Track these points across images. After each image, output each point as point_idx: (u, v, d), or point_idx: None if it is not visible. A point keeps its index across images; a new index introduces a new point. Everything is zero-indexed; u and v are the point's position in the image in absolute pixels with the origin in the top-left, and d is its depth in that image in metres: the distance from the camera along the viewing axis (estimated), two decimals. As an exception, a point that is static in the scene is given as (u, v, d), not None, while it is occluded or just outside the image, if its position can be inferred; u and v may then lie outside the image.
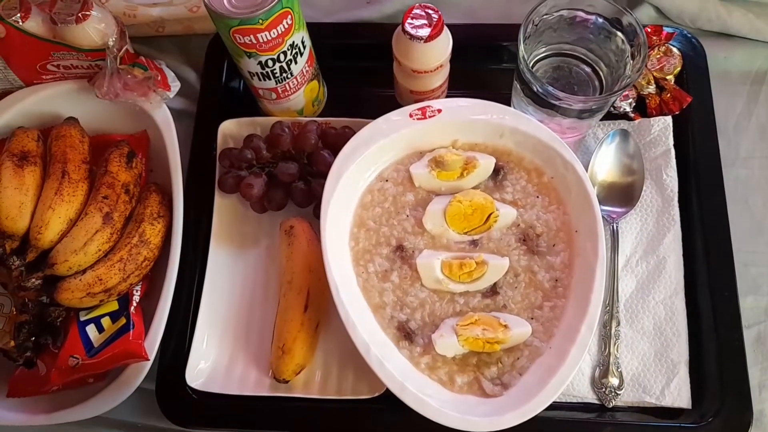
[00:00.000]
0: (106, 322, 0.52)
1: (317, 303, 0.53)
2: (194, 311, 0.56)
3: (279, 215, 0.60)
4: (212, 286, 0.57)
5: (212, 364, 0.55)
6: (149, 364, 0.52)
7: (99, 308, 0.53)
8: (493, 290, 0.51)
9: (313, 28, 0.58)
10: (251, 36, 0.49)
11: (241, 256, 0.59)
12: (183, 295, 0.56)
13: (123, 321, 0.51)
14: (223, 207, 0.60)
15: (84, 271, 0.52)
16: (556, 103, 0.53)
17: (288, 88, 0.58)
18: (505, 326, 0.48)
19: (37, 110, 0.61)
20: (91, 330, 0.51)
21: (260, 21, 0.48)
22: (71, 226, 0.54)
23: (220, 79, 0.66)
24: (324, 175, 0.53)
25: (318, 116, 0.65)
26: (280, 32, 0.50)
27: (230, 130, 0.61)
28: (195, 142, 0.63)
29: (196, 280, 0.57)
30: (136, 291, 0.54)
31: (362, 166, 0.54)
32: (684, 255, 0.57)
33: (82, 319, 0.52)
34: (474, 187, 0.55)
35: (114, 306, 0.53)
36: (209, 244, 0.58)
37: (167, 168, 0.59)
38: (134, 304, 0.53)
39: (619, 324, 0.54)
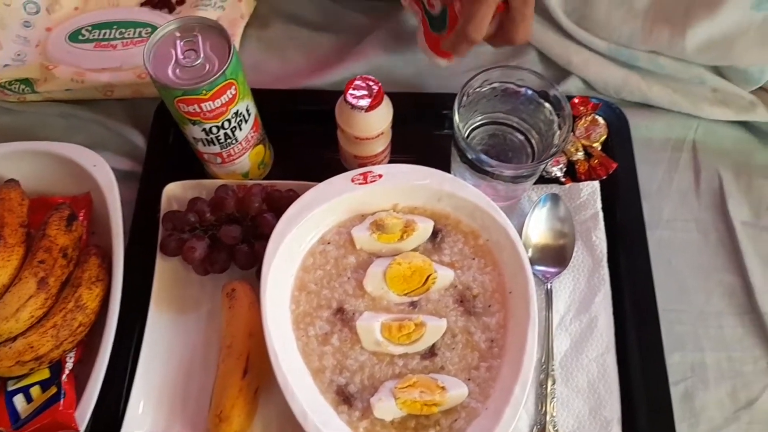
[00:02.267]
0: (35, 391, 0.50)
1: (257, 368, 0.53)
2: (130, 377, 0.55)
3: (222, 278, 0.60)
4: (150, 351, 0.56)
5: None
6: (80, 434, 0.50)
7: (28, 377, 0.51)
8: (431, 352, 0.52)
9: (261, 94, 0.60)
10: (195, 105, 0.51)
11: (182, 319, 0.58)
12: (119, 360, 0.55)
13: (54, 390, 0.50)
14: (164, 270, 0.59)
15: (15, 338, 0.51)
16: (490, 169, 0.56)
17: (233, 153, 0.59)
18: (443, 388, 0.49)
19: (-23, 171, 0.61)
20: (18, 400, 0.49)
21: (204, 92, 0.50)
22: (3, 292, 0.52)
23: (166, 141, 0.66)
24: (267, 238, 0.54)
25: (264, 179, 0.66)
26: (223, 102, 0.52)
27: (175, 192, 0.62)
28: (139, 205, 0.63)
29: (134, 345, 0.56)
30: (70, 357, 0.53)
31: (304, 229, 0.55)
32: (614, 313, 0.59)
33: (10, 389, 0.50)
34: (413, 250, 0.56)
35: (45, 374, 0.51)
36: (149, 309, 0.57)
37: (109, 230, 0.58)
38: (66, 371, 0.52)
39: (554, 382, 0.56)
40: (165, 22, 0.70)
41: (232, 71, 0.51)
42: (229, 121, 0.54)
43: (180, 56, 0.50)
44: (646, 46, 0.68)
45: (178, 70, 0.50)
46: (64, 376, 0.51)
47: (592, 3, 0.68)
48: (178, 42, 0.51)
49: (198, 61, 0.50)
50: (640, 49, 0.68)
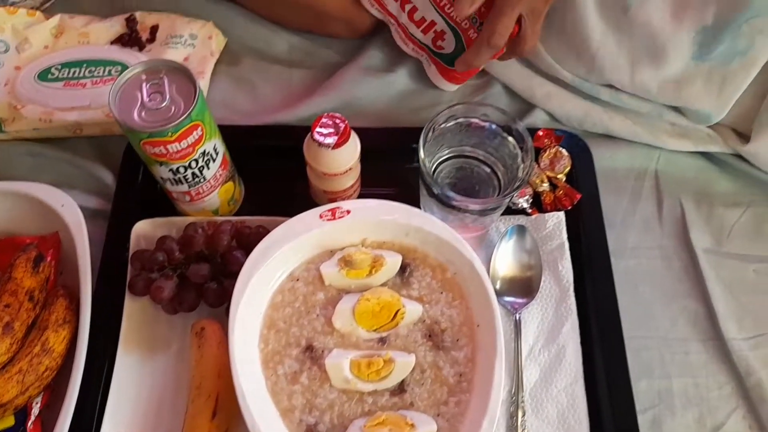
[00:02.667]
0: (-1, 440, 0.49)
1: (226, 408, 0.53)
2: (98, 420, 0.54)
3: (191, 315, 0.59)
4: (119, 393, 0.55)
5: (116, 477, 0.53)
6: (46, 482, 0.50)
7: (-8, 425, 0.51)
8: (400, 388, 0.52)
9: (231, 130, 0.61)
10: (161, 147, 0.51)
11: (151, 360, 0.58)
12: (87, 403, 0.54)
13: (19, 438, 0.49)
14: (133, 310, 0.59)
15: (-22, 385, 0.50)
16: (456, 204, 0.57)
17: (201, 191, 0.59)
18: (412, 425, 0.49)
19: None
20: (-20, 450, 0.48)
21: (170, 134, 0.50)
22: (-33, 338, 0.52)
23: (136, 179, 0.67)
24: (236, 275, 0.54)
25: (235, 214, 0.66)
26: (190, 143, 0.52)
27: (144, 230, 0.62)
28: (108, 243, 0.63)
29: (102, 387, 0.56)
30: (36, 403, 0.52)
31: (273, 267, 0.55)
32: (582, 342, 0.60)
33: (-28, 438, 0.49)
34: (382, 284, 0.57)
35: (10, 422, 0.51)
36: (117, 350, 0.57)
37: (77, 270, 0.58)
38: (32, 418, 0.51)
39: (524, 414, 0.56)
40: (135, 60, 0.71)
41: (197, 113, 0.51)
42: (196, 161, 0.55)
43: (146, 98, 0.51)
44: (603, 82, 0.70)
45: (143, 113, 0.51)
46: (30, 423, 0.51)
47: (549, 43, 0.71)
48: (144, 84, 0.51)
49: (164, 104, 0.51)
50: (599, 83, 0.71)
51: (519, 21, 0.59)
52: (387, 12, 0.70)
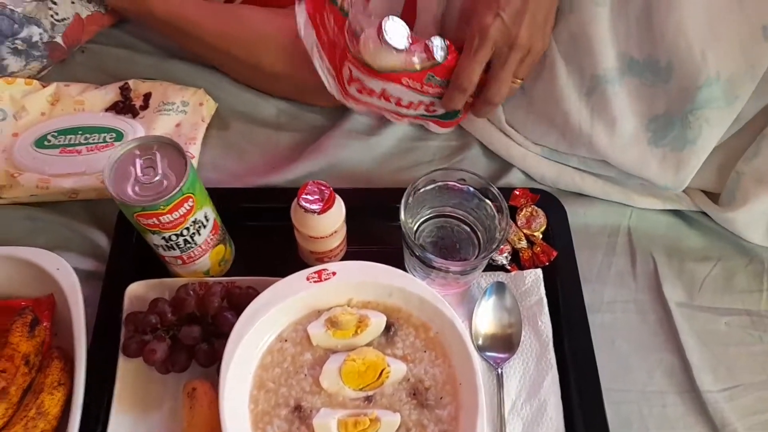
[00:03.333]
0: (-8, 508, 0.50)
1: (217, 470, 0.54)
2: (91, 484, 0.55)
3: (183, 375, 0.61)
4: (111, 456, 0.56)
5: None
6: None
7: (-14, 493, 0.52)
8: (386, 447, 0.54)
9: (221, 193, 0.64)
10: (154, 218, 0.54)
11: (144, 419, 0.59)
12: (82, 465, 0.56)
13: (12, 505, 0.50)
14: (127, 370, 0.61)
15: (-27, 452, 0.52)
16: (437, 265, 0.60)
17: (193, 255, 0.62)
18: (397, 485, 0.51)
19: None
20: None
21: (162, 207, 0.53)
22: (-37, 404, 0.53)
23: (129, 241, 0.69)
24: (227, 336, 0.56)
25: (225, 274, 0.68)
26: (181, 213, 0.55)
27: (137, 292, 0.64)
28: (102, 305, 0.65)
29: (95, 449, 0.57)
30: (30, 468, 0.53)
31: (262, 329, 0.58)
32: (562, 396, 0.62)
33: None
34: (368, 344, 0.59)
35: (4, 488, 0.52)
36: (111, 410, 0.58)
37: (72, 331, 0.60)
38: (26, 484, 0.52)
39: (508, 469, 0.58)
40: (129, 126, 0.75)
41: (188, 186, 0.54)
42: (188, 229, 0.57)
43: (139, 173, 0.54)
44: (571, 152, 0.74)
45: (137, 187, 0.53)
46: (23, 488, 0.52)
47: (518, 118, 0.75)
48: (137, 160, 0.54)
49: (156, 178, 0.54)
50: (567, 153, 0.74)
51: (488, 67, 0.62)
52: (373, 107, 0.71)
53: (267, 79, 0.79)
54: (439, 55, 0.61)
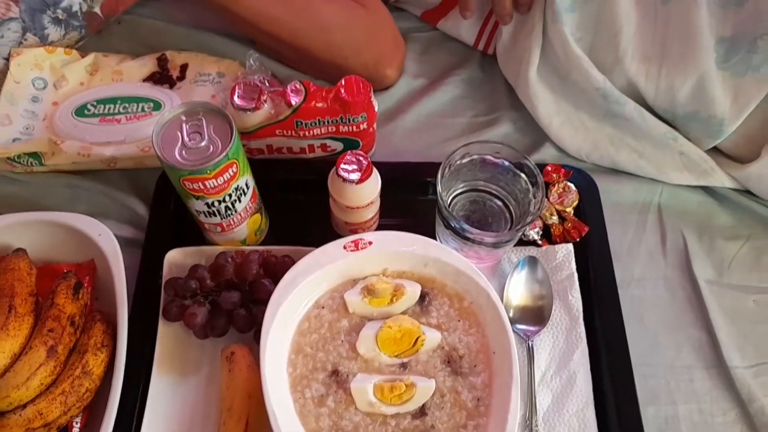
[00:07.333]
0: (44, 457, 0.52)
1: (256, 430, 0.56)
2: (134, 441, 0.57)
3: (221, 341, 0.63)
4: (153, 415, 0.58)
5: (150, 495, 0.55)
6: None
7: (37, 444, 0.53)
8: (422, 411, 0.55)
9: (259, 163, 0.65)
10: (199, 183, 0.55)
11: (183, 383, 0.61)
12: (122, 424, 0.57)
13: (62, 456, 0.52)
14: (166, 334, 0.62)
15: (24, 406, 0.53)
16: (471, 236, 0.61)
17: (232, 223, 0.63)
18: (433, 446, 0.52)
19: (-15, 239, 0.63)
20: (27, 467, 0.51)
21: (208, 171, 0.54)
22: (14, 361, 0.55)
23: (167, 210, 0.70)
24: (264, 303, 0.57)
25: (261, 244, 0.70)
26: (225, 179, 0.56)
27: (176, 259, 0.65)
28: (141, 271, 0.66)
29: (137, 408, 0.59)
30: (76, 423, 0.55)
31: (300, 295, 0.59)
32: (591, 369, 0.63)
33: (19, 455, 0.52)
34: (403, 313, 0.60)
35: (53, 440, 0.54)
36: (151, 372, 0.60)
37: (113, 296, 0.61)
38: (74, 437, 0.54)
39: (538, 437, 0.59)
40: (167, 96, 0.76)
41: (234, 152, 0.55)
42: (230, 195, 0.59)
43: (186, 138, 0.55)
44: (628, 80, 0.72)
45: (184, 152, 0.55)
46: (71, 441, 0.54)
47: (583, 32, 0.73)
48: (184, 125, 0.55)
49: (202, 143, 0.55)
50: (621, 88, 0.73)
51: None
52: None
53: (309, 61, 0.79)
54: (294, 100, 0.65)
